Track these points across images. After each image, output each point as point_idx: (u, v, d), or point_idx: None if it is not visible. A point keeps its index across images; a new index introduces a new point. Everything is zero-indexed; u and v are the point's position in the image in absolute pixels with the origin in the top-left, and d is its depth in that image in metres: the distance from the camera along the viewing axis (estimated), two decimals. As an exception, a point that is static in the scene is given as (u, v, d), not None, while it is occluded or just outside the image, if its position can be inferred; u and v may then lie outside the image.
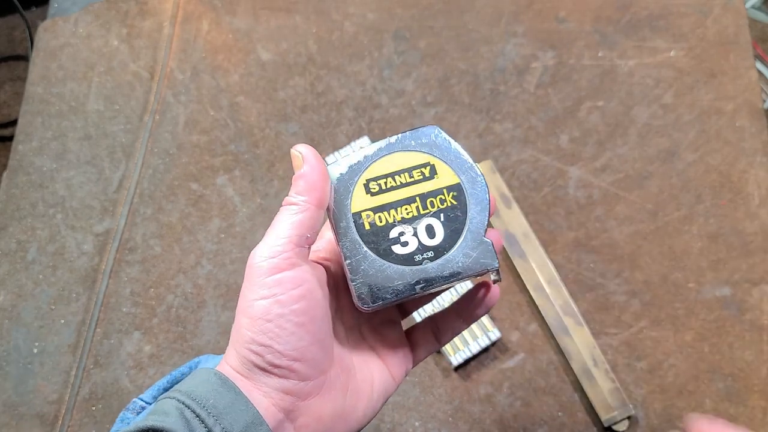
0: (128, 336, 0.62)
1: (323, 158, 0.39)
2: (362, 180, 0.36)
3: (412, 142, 0.36)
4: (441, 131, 0.36)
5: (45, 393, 0.60)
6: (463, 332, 0.58)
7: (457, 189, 0.36)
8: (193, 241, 0.65)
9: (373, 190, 0.35)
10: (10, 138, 1.25)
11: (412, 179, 0.36)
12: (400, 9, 0.75)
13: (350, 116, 0.70)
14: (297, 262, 0.31)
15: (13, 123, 1.27)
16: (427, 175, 0.36)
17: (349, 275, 0.34)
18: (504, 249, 0.63)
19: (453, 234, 0.35)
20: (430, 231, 0.35)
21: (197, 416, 0.29)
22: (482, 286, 0.38)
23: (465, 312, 0.38)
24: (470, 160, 0.36)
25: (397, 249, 0.35)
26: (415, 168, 0.36)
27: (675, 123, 0.68)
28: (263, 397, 0.30)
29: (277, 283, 0.30)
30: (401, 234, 0.35)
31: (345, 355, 0.34)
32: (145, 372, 0.61)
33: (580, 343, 0.59)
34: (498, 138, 0.68)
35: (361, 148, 0.36)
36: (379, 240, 0.35)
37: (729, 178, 0.65)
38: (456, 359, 0.58)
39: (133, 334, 0.62)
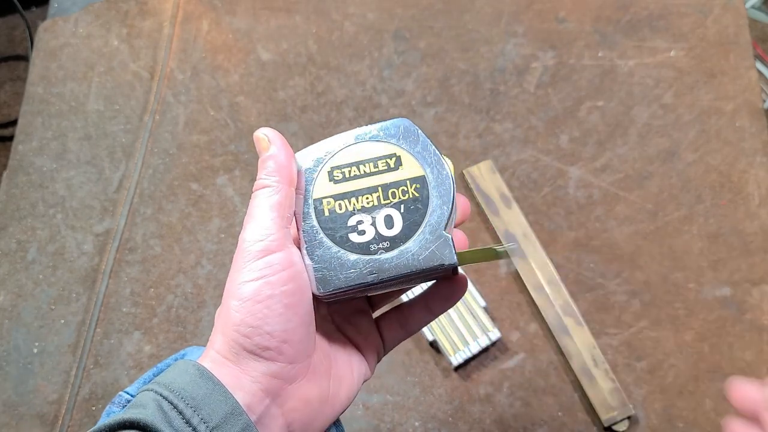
0: (128, 336, 0.62)
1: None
2: (327, 167, 0.36)
3: (381, 132, 0.37)
4: (411, 123, 0.37)
5: (45, 393, 0.60)
6: (463, 332, 0.58)
7: (420, 182, 0.36)
8: (193, 241, 0.65)
9: (336, 178, 0.36)
10: (10, 138, 1.25)
11: (377, 169, 0.36)
12: (400, 9, 0.75)
13: (350, 116, 0.70)
14: (285, 244, 0.31)
15: (13, 123, 1.27)
16: (392, 166, 0.36)
17: (306, 261, 0.34)
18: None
19: (412, 226, 0.35)
20: (389, 221, 0.35)
21: (175, 407, 0.29)
22: (450, 278, 0.37)
23: (433, 303, 0.38)
24: (438, 154, 0.36)
25: (354, 237, 0.35)
26: (380, 158, 0.36)
27: (675, 123, 0.68)
28: (251, 382, 0.30)
29: (267, 264, 0.30)
30: (359, 222, 0.35)
31: (323, 341, 0.35)
32: (145, 372, 0.61)
33: (580, 343, 0.59)
34: (498, 138, 0.68)
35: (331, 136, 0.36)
36: (336, 227, 0.35)
37: (729, 178, 0.65)
38: (456, 359, 0.58)
39: (133, 334, 0.62)
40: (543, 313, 0.60)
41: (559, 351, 0.60)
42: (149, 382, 0.32)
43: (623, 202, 0.65)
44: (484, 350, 0.59)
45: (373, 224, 0.35)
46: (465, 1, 0.75)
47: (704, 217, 0.64)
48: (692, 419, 0.57)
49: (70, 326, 0.62)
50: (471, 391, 0.59)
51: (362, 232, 0.35)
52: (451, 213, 0.35)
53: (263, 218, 0.31)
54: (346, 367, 0.35)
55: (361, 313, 0.38)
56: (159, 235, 0.65)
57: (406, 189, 0.36)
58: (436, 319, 0.59)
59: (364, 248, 0.35)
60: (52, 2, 0.79)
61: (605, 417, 0.56)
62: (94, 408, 0.60)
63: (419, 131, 0.36)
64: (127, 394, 0.36)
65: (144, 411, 0.28)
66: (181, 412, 0.29)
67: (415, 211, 0.35)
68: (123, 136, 0.70)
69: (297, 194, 0.35)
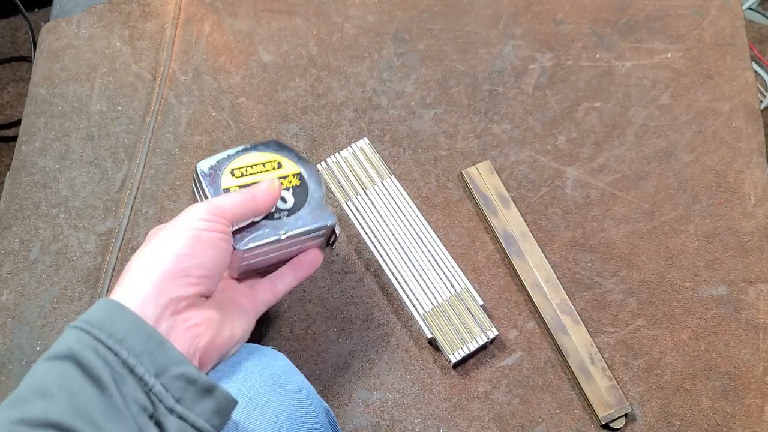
0: (130, 334, 0.63)
1: (320, 160, 0.63)
2: (228, 169, 0.50)
3: (262, 146, 0.52)
4: (282, 142, 0.53)
5: (48, 391, 0.61)
6: (462, 330, 0.59)
7: (299, 176, 0.52)
8: (195, 241, 0.66)
9: (236, 175, 0.50)
10: (14, 138, 1.26)
11: (265, 169, 0.51)
12: (399, 11, 0.75)
13: (350, 117, 0.71)
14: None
15: (17, 123, 1.28)
16: (276, 167, 0.52)
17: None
18: (503, 248, 0.64)
19: (300, 201, 0.51)
20: (283, 199, 0.51)
21: (90, 334, 0.37)
22: (310, 253, 0.53)
23: (297, 271, 0.53)
24: (304, 157, 0.53)
25: None
26: (266, 162, 0.51)
27: (672, 124, 0.69)
28: (157, 304, 0.40)
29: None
30: None
31: (227, 284, 0.50)
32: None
33: (578, 341, 0.60)
34: (496, 139, 0.69)
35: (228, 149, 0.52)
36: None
37: (725, 179, 0.66)
38: (454, 357, 0.58)
39: (135, 332, 0.63)
40: (541, 312, 0.61)
41: (557, 349, 0.60)
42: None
43: (620, 202, 0.66)
44: (483, 348, 0.60)
45: None
46: (464, 3, 0.75)
47: (701, 217, 0.65)
48: (689, 417, 0.58)
49: (73, 325, 0.63)
50: (469, 389, 0.59)
51: None
52: (324, 194, 0.52)
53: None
54: (239, 307, 0.48)
55: (252, 276, 0.52)
56: (161, 235, 0.66)
57: (290, 179, 0.52)
58: (436, 318, 0.59)
59: (270, 216, 0.50)
60: (55, 4, 0.80)
61: (602, 414, 0.57)
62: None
63: (289, 145, 0.53)
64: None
65: (66, 343, 0.36)
66: (95, 336, 0.36)
67: (300, 193, 0.51)
68: (125, 137, 0.70)
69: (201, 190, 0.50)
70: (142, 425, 0.35)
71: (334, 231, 0.52)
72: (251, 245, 0.48)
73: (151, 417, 0.35)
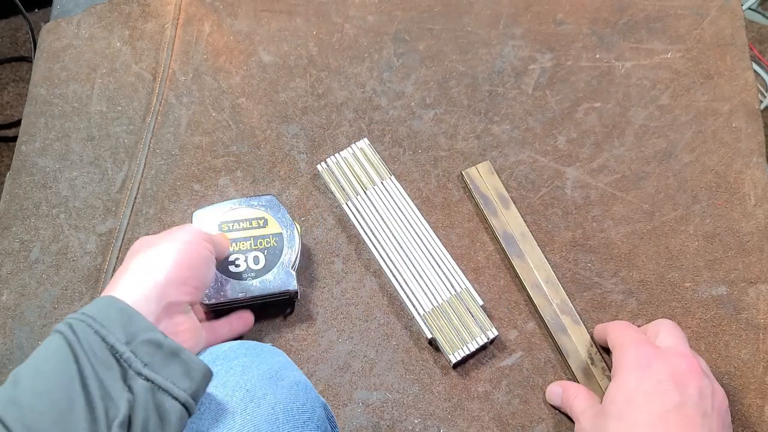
0: (131, 334, 0.63)
1: (320, 161, 0.68)
2: (218, 221, 0.59)
3: (255, 203, 0.59)
4: (276, 199, 0.60)
5: (48, 391, 0.61)
6: (462, 330, 0.59)
7: (278, 236, 0.58)
8: (195, 241, 0.66)
9: (224, 229, 0.58)
10: (14, 139, 1.26)
11: (251, 226, 0.58)
12: (399, 11, 0.76)
13: (350, 118, 0.71)
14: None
15: (17, 124, 1.28)
16: (261, 225, 0.58)
17: None
18: (503, 249, 0.64)
19: (270, 263, 0.57)
20: (256, 260, 0.57)
21: (88, 325, 0.40)
22: (284, 301, 0.60)
23: (236, 323, 0.58)
24: (291, 220, 0.59)
25: (232, 268, 0.57)
26: (253, 219, 0.59)
27: (672, 124, 0.69)
28: (155, 304, 0.44)
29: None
30: (236, 259, 0.57)
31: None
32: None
33: (578, 341, 0.60)
34: (496, 139, 0.69)
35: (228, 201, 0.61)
36: (222, 261, 0.57)
37: (725, 179, 0.66)
38: (454, 357, 0.58)
39: (135, 332, 0.63)
40: (541, 312, 0.61)
41: (557, 349, 0.60)
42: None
43: (620, 202, 0.66)
44: (483, 348, 0.60)
45: (246, 261, 0.57)
46: (464, 3, 0.75)
47: (700, 217, 0.65)
48: (688, 417, 0.58)
49: (73, 325, 0.63)
50: (469, 389, 0.59)
51: (238, 265, 0.57)
52: (296, 257, 0.58)
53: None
54: (211, 328, 0.55)
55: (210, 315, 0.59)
56: (161, 235, 0.66)
57: (269, 240, 0.58)
58: (436, 318, 0.59)
59: (238, 276, 0.57)
60: (54, 4, 0.80)
61: (602, 415, 0.57)
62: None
63: (280, 204, 0.60)
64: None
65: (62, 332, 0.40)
66: (91, 326, 0.39)
67: (273, 255, 0.58)
68: (125, 137, 0.70)
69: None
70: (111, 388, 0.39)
71: (296, 294, 0.59)
72: (214, 301, 0.56)
73: (124, 381, 0.38)
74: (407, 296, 0.61)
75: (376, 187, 0.66)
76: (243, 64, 0.73)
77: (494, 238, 0.65)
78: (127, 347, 0.39)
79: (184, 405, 0.40)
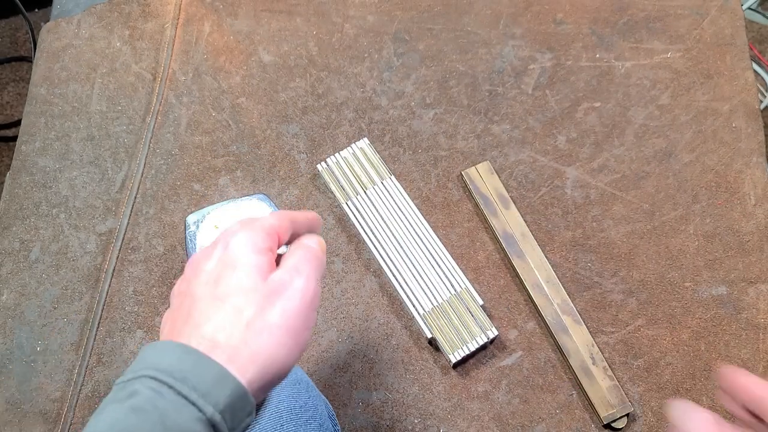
0: (131, 334, 0.63)
1: (320, 160, 0.67)
2: (209, 221, 0.60)
3: (247, 199, 0.60)
4: (267, 197, 0.61)
5: (48, 391, 0.61)
6: (462, 330, 0.59)
7: None
8: (195, 241, 0.66)
9: (217, 227, 0.61)
10: (14, 138, 1.26)
11: None
12: (399, 11, 0.76)
13: (350, 117, 0.71)
14: None
15: (17, 123, 1.28)
16: None
17: None
18: (503, 248, 0.64)
19: None
20: None
21: (165, 384, 0.30)
22: None
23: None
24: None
25: None
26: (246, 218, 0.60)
27: (671, 124, 0.69)
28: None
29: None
30: None
31: None
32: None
33: (579, 341, 0.60)
34: (496, 139, 0.69)
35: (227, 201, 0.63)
36: None
37: (725, 179, 0.66)
38: (454, 357, 0.58)
39: (135, 332, 0.63)
40: (542, 312, 0.61)
41: (557, 349, 0.60)
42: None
43: (620, 202, 0.66)
44: (483, 348, 0.60)
45: None
46: (464, 3, 0.75)
47: (700, 217, 0.65)
48: (688, 417, 0.58)
49: (73, 325, 0.63)
50: (469, 389, 0.59)
51: None
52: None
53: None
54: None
55: None
56: (161, 235, 0.66)
57: None
58: (436, 318, 0.59)
59: None
60: (55, 4, 0.80)
61: (605, 414, 0.57)
62: (96, 406, 0.60)
63: (270, 201, 0.61)
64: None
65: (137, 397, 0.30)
66: (171, 387, 0.30)
67: None
68: (125, 137, 0.70)
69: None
70: None
71: None
72: None
73: None
74: (407, 296, 0.61)
75: (376, 187, 0.66)
76: (243, 64, 0.73)
77: (494, 238, 0.65)
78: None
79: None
